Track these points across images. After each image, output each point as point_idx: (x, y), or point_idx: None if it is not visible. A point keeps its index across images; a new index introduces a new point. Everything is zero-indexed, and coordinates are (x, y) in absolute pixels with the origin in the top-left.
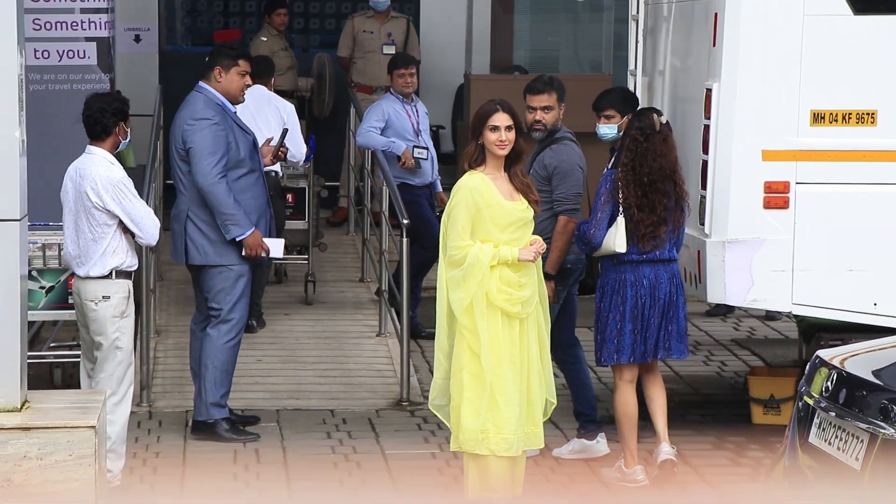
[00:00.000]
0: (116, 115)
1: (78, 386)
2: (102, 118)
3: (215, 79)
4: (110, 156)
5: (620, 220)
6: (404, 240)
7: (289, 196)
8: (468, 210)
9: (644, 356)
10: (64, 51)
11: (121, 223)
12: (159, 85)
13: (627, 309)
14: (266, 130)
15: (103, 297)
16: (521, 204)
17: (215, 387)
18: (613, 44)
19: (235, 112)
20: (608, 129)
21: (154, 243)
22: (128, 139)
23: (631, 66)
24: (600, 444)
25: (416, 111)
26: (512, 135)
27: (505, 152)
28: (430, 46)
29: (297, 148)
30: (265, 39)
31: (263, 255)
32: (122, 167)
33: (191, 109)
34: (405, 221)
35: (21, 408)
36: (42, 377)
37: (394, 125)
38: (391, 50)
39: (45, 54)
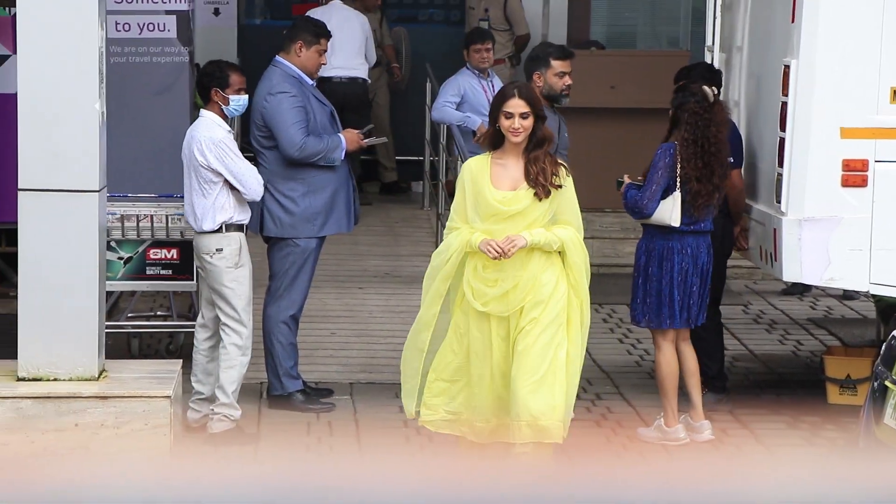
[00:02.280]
0: (211, 80)
1: (154, 355)
2: (200, 83)
3: (295, 52)
4: (217, 118)
5: (677, 194)
6: None
7: None
8: (461, 191)
9: (688, 322)
10: (144, 24)
11: (226, 180)
12: (238, 59)
13: (675, 276)
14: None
15: (217, 251)
16: (509, 195)
17: (284, 360)
18: (692, 19)
19: (314, 84)
20: None
21: (258, 198)
22: (231, 104)
23: (708, 42)
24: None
25: (492, 86)
26: (528, 122)
27: (519, 139)
28: (519, 22)
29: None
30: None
31: (365, 142)
32: (226, 128)
33: (268, 84)
34: None
35: (99, 377)
36: (120, 347)
37: (469, 100)
38: (485, 26)
39: (126, 27)
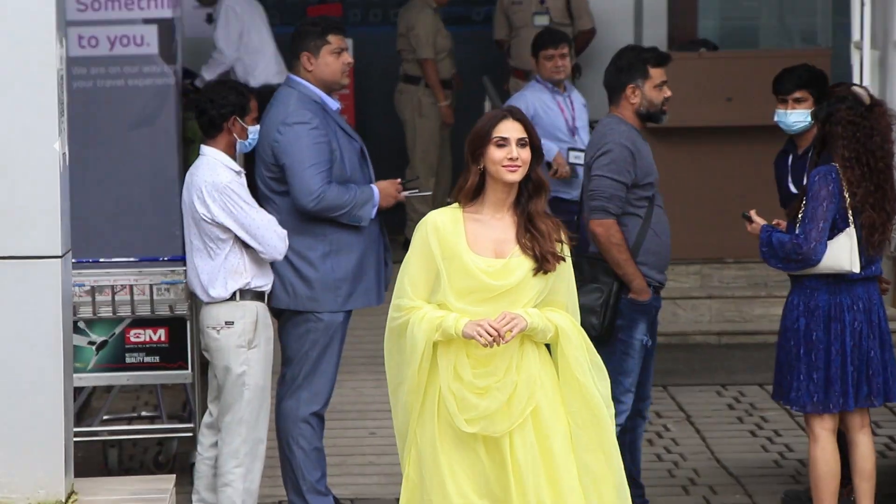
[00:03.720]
0: (228, 107)
1: (139, 470)
2: (210, 110)
3: (304, 68)
4: (224, 156)
5: (851, 230)
6: None
7: None
8: (422, 255)
9: (869, 399)
10: (116, 37)
11: (238, 236)
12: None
13: (848, 340)
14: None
15: (226, 324)
16: (498, 265)
17: (308, 471)
18: (833, 8)
19: (339, 109)
20: (800, 117)
21: (279, 257)
22: (249, 139)
23: (855, 37)
24: None
25: (571, 103)
26: (526, 153)
27: (516, 177)
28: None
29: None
30: (430, 12)
31: (404, 194)
32: (235, 168)
33: (281, 111)
34: None
35: (66, 501)
36: (94, 460)
37: (542, 122)
38: (544, 20)
39: (93, 42)
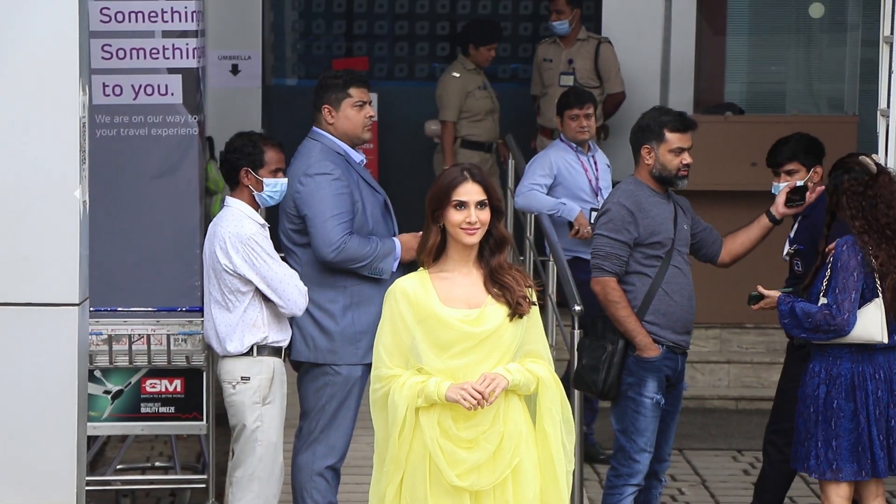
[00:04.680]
0: (239, 158)
1: None
2: (226, 162)
3: (326, 121)
4: (247, 208)
5: (879, 301)
6: (576, 332)
7: None
8: (393, 325)
9: (891, 468)
10: (141, 86)
11: (258, 290)
12: (262, 130)
13: (871, 409)
14: None
15: (242, 379)
16: (474, 314)
17: None
18: (860, 75)
19: (363, 162)
20: None
21: (299, 313)
22: (266, 190)
23: (882, 104)
24: None
25: (595, 163)
26: (485, 215)
27: (474, 239)
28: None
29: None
30: (457, 76)
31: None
32: (259, 221)
33: (304, 162)
34: (577, 308)
35: None
36: None
37: (565, 181)
38: (569, 81)
39: (117, 90)
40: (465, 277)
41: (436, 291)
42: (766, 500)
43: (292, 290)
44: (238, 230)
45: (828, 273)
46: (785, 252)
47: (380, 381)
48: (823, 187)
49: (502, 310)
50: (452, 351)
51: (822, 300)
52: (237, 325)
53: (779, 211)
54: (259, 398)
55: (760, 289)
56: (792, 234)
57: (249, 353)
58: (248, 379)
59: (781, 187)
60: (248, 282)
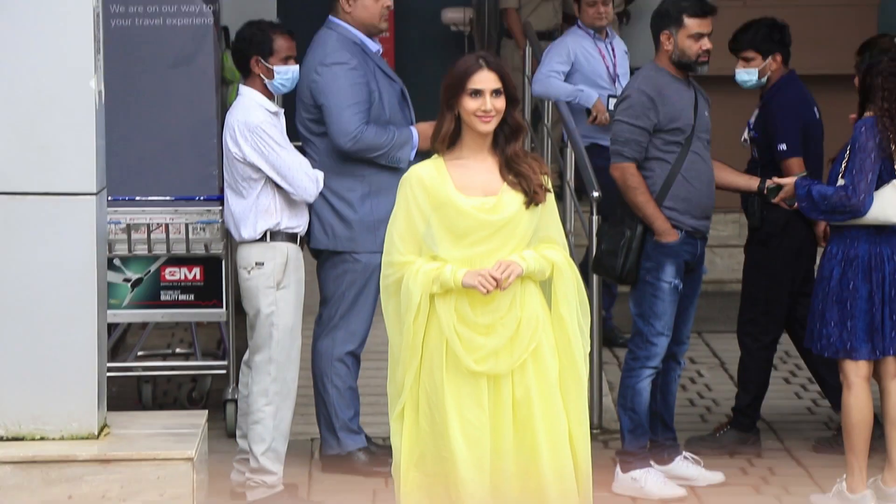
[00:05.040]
0: (247, 47)
1: (173, 405)
2: (237, 50)
3: (343, 10)
4: (259, 96)
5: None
6: (594, 217)
7: None
8: (407, 211)
9: None
10: None
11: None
12: (277, 19)
13: (888, 289)
14: None
15: (256, 264)
16: (489, 202)
17: (341, 410)
18: None
19: (379, 51)
20: (747, 75)
21: (310, 199)
22: (277, 78)
23: None
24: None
25: (612, 50)
26: (500, 102)
27: (489, 127)
28: None
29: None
30: None
31: None
32: (271, 108)
33: (320, 52)
34: (595, 194)
35: (99, 434)
36: (127, 395)
37: (582, 68)
38: None
39: None
40: (480, 164)
41: (451, 179)
42: (751, 388)
43: (301, 177)
44: (246, 118)
45: (846, 156)
46: (743, 137)
47: (392, 267)
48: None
49: (518, 197)
50: (469, 239)
51: (841, 181)
52: (250, 211)
53: (770, 198)
54: (273, 283)
55: (776, 179)
56: (752, 121)
57: (263, 238)
58: (262, 264)
59: (742, 76)
60: (259, 169)
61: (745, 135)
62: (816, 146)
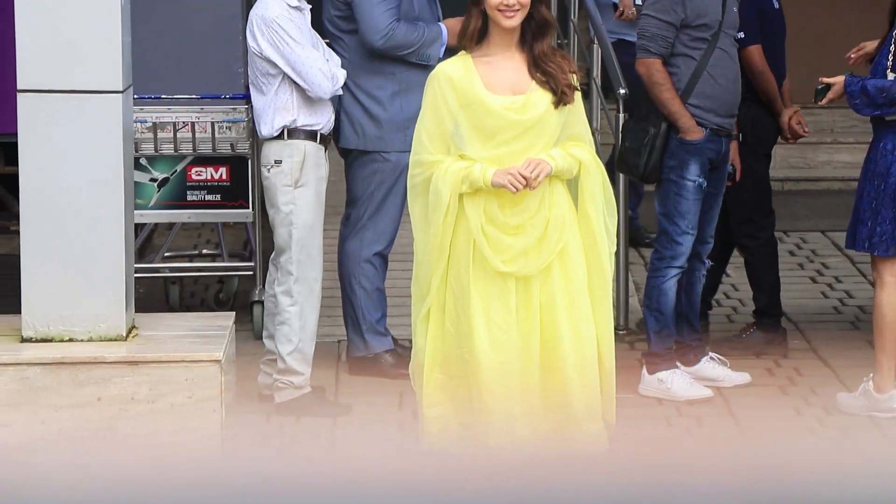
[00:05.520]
0: None
1: (200, 307)
2: None
3: None
4: None
5: None
6: (621, 115)
7: None
8: (435, 110)
9: None
10: None
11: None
12: None
13: None
14: None
15: (275, 163)
16: (519, 100)
17: (368, 311)
18: None
19: None
20: None
21: (325, 96)
22: None
23: None
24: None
25: None
26: None
27: (513, 22)
28: None
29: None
30: None
31: None
32: (290, 4)
33: None
34: (622, 91)
35: (127, 336)
36: (155, 296)
37: None
38: None
39: None
40: (509, 61)
41: (480, 76)
42: (765, 287)
43: (315, 73)
44: (263, 12)
45: (892, 48)
46: None
47: (420, 167)
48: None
49: (547, 96)
50: (498, 139)
51: (891, 75)
52: (269, 107)
53: (818, 100)
54: (291, 181)
55: (825, 79)
56: None
57: (281, 136)
58: (280, 162)
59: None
60: (276, 64)
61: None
62: (775, 37)
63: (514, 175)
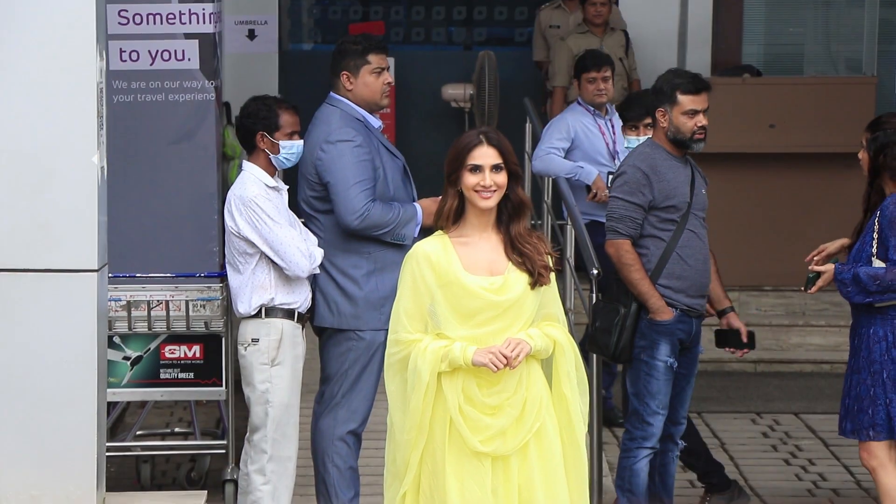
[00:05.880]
0: (255, 122)
1: (171, 485)
2: (242, 126)
3: (344, 87)
4: (259, 171)
5: None
6: (594, 296)
7: None
8: (413, 289)
9: None
10: (157, 51)
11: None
12: (279, 94)
13: None
14: None
15: (252, 341)
16: (497, 281)
17: (342, 490)
18: (878, 35)
19: (381, 127)
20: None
21: (303, 275)
22: (283, 153)
23: None
24: None
25: (612, 127)
26: (501, 179)
27: (490, 203)
28: (632, 39)
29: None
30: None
31: None
32: (269, 183)
33: (324, 129)
34: (595, 271)
35: None
36: (126, 475)
37: (582, 145)
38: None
39: (134, 56)
40: (485, 243)
41: (458, 257)
42: (694, 452)
43: (293, 252)
44: (242, 192)
45: (875, 235)
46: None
47: (398, 345)
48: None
49: (523, 277)
50: (476, 319)
51: (877, 262)
52: (246, 286)
53: (808, 288)
54: (268, 360)
55: (815, 267)
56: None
57: (259, 315)
58: (258, 340)
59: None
60: (253, 244)
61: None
62: None
63: (495, 354)
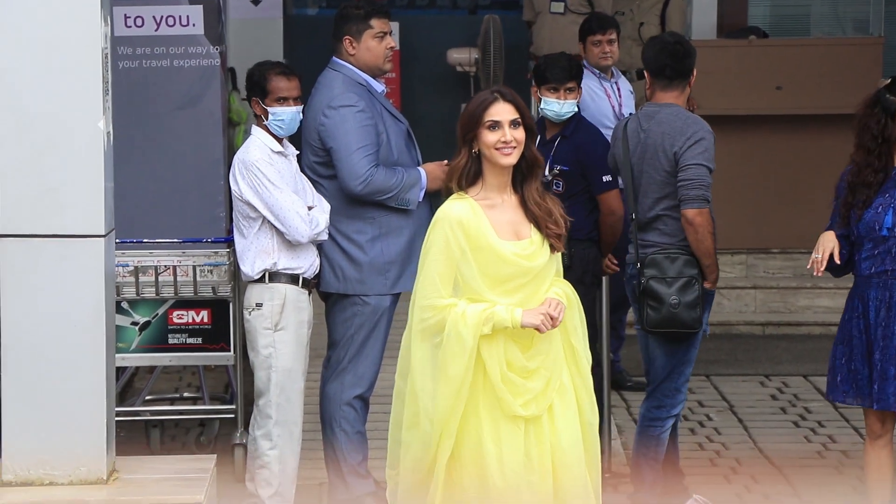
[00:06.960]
0: (249, 88)
1: (181, 450)
2: (247, 90)
3: (347, 52)
4: (264, 135)
5: None
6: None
7: None
8: (447, 253)
9: None
10: (162, 17)
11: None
12: (284, 60)
13: None
14: None
15: (256, 305)
16: (526, 246)
17: (350, 454)
18: None
19: (384, 91)
20: (571, 107)
21: (303, 240)
22: (272, 119)
23: None
24: None
25: (618, 90)
26: (520, 133)
27: (512, 160)
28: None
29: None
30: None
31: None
32: (274, 148)
33: (327, 94)
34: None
35: (108, 479)
36: (135, 439)
37: (589, 108)
38: (559, 8)
39: (139, 22)
40: (507, 205)
41: (489, 221)
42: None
43: (293, 217)
44: (244, 156)
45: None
46: (547, 172)
47: (433, 310)
48: None
49: (544, 241)
50: (508, 286)
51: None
52: (250, 249)
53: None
54: (271, 324)
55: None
56: (552, 156)
57: (263, 279)
58: (261, 305)
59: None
60: (255, 207)
61: (551, 172)
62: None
63: (544, 314)
